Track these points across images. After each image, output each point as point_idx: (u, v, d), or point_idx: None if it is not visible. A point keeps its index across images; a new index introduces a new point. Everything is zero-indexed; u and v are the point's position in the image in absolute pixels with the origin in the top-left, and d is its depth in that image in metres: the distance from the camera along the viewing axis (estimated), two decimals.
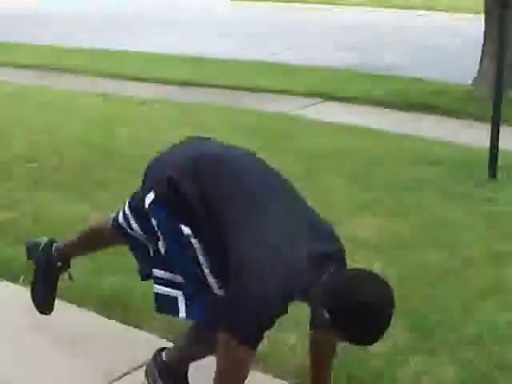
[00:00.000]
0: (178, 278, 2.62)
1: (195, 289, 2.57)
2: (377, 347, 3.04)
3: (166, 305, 2.66)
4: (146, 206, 2.64)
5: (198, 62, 11.11)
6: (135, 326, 3.47)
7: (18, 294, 3.73)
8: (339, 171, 5.92)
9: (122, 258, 3.41)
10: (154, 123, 7.42)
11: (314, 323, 2.58)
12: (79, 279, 3.58)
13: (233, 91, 9.28)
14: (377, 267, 3.87)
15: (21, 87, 9.17)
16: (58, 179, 5.62)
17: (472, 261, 4.29)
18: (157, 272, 2.69)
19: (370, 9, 19.52)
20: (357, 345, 2.43)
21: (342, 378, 3.02)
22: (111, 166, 5.92)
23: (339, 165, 6.10)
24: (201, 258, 2.52)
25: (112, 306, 3.63)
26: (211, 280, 2.53)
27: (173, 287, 2.64)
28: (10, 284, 3.94)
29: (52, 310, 3.38)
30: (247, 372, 2.47)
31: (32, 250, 3.41)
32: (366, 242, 4.48)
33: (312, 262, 2.40)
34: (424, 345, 3.34)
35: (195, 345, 2.76)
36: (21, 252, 3.60)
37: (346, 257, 2.59)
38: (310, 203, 2.67)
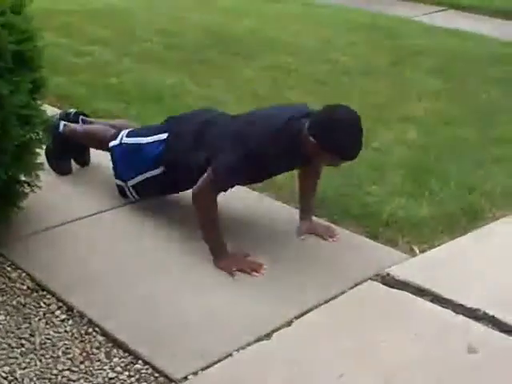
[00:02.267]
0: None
1: None
2: (374, 190, 4.01)
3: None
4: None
5: None
6: None
7: None
8: (423, 66, 6.67)
9: None
10: (280, 18, 8.38)
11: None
12: None
13: None
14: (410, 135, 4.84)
15: None
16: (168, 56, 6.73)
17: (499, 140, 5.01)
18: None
19: None
20: (342, 159, 3.23)
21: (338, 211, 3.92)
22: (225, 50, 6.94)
23: (426, 61, 6.83)
24: None
25: None
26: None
27: None
28: None
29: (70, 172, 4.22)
30: (217, 193, 3.35)
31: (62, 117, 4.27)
32: (413, 119, 5.31)
33: (294, 119, 3.35)
34: (413, 191, 4.19)
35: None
36: None
37: None
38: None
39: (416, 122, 5.29)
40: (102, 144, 3.96)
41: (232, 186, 3.38)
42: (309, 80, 6.16)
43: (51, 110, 4.30)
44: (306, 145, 3.21)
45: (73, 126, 4.14)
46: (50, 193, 3.77)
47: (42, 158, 3.64)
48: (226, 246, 3.36)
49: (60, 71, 5.87)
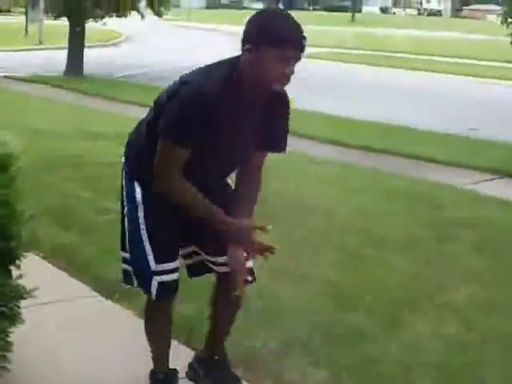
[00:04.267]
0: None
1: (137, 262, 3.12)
2: None
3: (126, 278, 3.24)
4: None
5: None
6: None
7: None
8: (467, 242, 5.94)
9: None
10: (313, 180, 7.81)
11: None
12: None
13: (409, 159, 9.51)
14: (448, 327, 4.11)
15: None
16: None
17: None
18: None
19: None
20: (283, 42, 2.76)
21: None
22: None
23: (471, 236, 6.11)
24: None
25: None
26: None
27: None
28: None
29: None
30: (176, 166, 2.91)
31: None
32: (453, 306, 4.55)
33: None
34: None
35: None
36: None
37: None
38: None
39: (456, 310, 4.52)
40: None
41: (186, 142, 2.91)
42: (335, 250, 5.47)
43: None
44: (244, 67, 2.86)
45: None
46: None
47: (13, 336, 3.24)
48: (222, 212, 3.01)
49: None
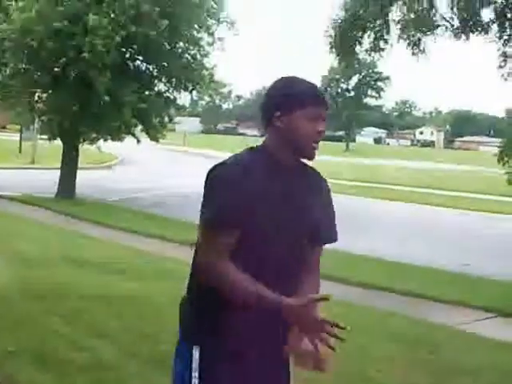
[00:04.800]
0: None
1: None
2: None
3: None
4: None
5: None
6: None
7: None
8: None
9: None
10: None
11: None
12: None
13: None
14: None
15: None
16: None
17: None
18: None
19: None
20: (310, 100, 2.75)
21: None
22: None
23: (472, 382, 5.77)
24: None
25: None
26: None
27: None
28: None
29: None
30: (218, 253, 2.63)
31: None
32: None
33: None
34: None
35: None
36: None
37: None
38: None
39: None
40: None
41: (227, 229, 2.66)
42: None
43: None
44: (277, 136, 2.78)
45: None
46: None
47: None
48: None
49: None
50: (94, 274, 8.16)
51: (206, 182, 2.71)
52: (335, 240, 2.92)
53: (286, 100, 2.76)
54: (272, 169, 2.75)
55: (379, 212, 20.30)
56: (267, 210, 2.70)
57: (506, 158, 10.22)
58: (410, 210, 21.31)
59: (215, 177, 2.69)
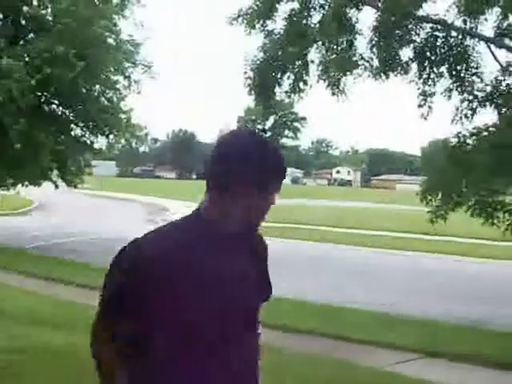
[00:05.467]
0: None
1: None
2: None
3: None
4: None
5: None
6: None
7: None
8: None
9: None
10: None
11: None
12: None
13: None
14: None
15: None
16: None
17: None
18: None
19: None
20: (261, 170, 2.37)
21: None
22: None
23: None
24: None
25: None
26: None
27: None
28: None
29: None
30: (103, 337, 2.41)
31: None
32: None
33: None
34: None
35: None
36: None
37: None
38: None
39: None
40: None
41: (118, 317, 2.38)
42: None
43: None
44: (217, 204, 2.39)
45: None
46: None
47: None
48: None
49: None
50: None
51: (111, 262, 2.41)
52: (271, 294, 2.64)
53: (249, 171, 2.36)
54: (208, 242, 2.38)
55: (295, 252, 20.28)
56: (192, 294, 2.32)
57: (428, 197, 10.24)
58: (332, 251, 21.33)
59: (117, 261, 2.37)
